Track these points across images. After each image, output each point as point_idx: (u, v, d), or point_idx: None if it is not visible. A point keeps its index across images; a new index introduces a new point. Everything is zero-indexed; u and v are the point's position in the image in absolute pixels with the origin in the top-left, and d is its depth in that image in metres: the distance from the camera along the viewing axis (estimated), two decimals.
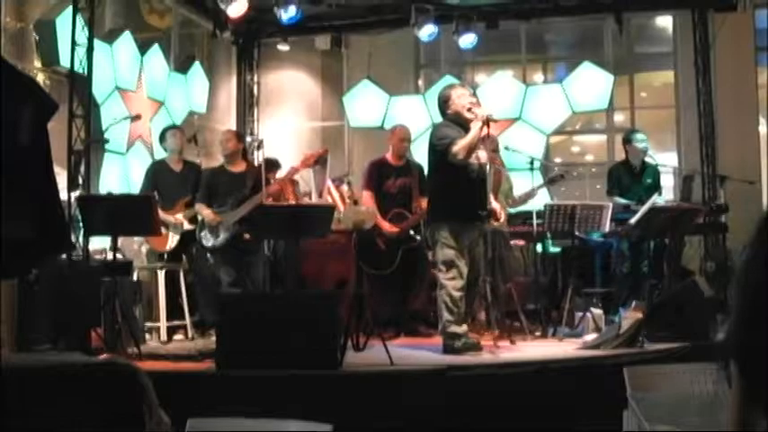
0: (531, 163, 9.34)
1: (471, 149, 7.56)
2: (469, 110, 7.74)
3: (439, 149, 7.68)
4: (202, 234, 9.13)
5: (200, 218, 9.25)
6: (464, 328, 7.59)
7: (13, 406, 3.79)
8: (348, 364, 6.76)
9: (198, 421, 3.54)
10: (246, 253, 9.18)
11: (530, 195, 9.48)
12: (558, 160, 14.89)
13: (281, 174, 10.10)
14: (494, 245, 8.67)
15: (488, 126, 7.56)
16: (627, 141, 10.48)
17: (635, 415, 4.49)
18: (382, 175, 9.48)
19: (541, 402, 6.38)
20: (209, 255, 9.22)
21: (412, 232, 9.19)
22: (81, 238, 8.46)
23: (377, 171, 9.54)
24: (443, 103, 7.97)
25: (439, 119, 8.17)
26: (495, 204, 8.23)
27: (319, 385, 6.27)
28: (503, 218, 8.74)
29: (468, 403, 6.36)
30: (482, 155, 7.74)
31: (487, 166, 7.80)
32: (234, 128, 13.46)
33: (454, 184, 7.66)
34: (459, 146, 7.49)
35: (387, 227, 9.23)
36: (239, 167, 9.40)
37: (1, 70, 4.44)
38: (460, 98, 7.85)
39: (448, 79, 12.20)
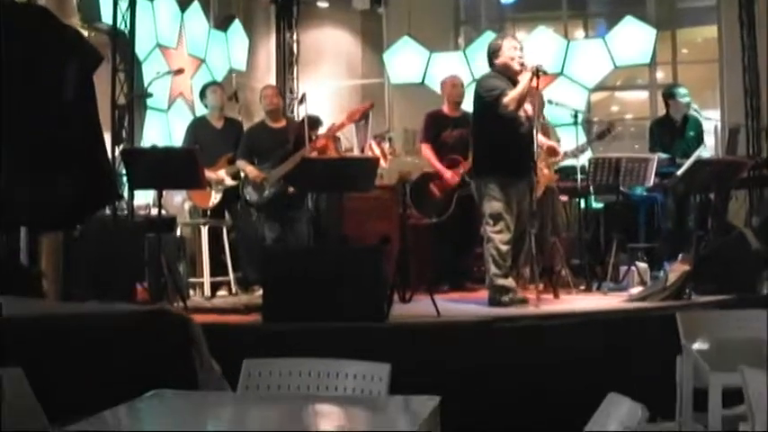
0: (576, 116, 9.26)
1: (521, 101, 7.50)
2: (519, 62, 7.68)
3: (488, 101, 7.57)
4: (246, 190, 9.13)
5: (242, 174, 9.25)
6: (511, 281, 7.56)
7: (61, 353, 3.82)
8: (395, 316, 6.77)
9: (254, 362, 3.54)
10: (291, 209, 9.17)
11: (581, 150, 9.38)
12: (596, 119, 14.77)
13: (323, 130, 10.05)
14: (546, 199, 8.68)
15: (538, 78, 7.50)
16: (670, 96, 10.31)
17: (691, 359, 4.45)
18: (439, 126, 9.42)
19: (589, 354, 6.36)
20: (252, 210, 9.23)
21: (467, 178, 8.97)
22: (126, 193, 8.49)
23: (433, 122, 9.49)
24: (493, 53, 7.83)
25: (480, 73, 8.10)
26: (548, 141, 8.21)
27: (366, 337, 6.25)
28: (560, 155, 8.76)
29: (514, 354, 6.36)
30: (528, 108, 7.67)
31: (534, 120, 7.74)
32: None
33: (502, 136, 7.59)
34: (510, 97, 7.41)
35: (449, 176, 9.18)
36: (280, 123, 9.39)
37: (47, 23, 4.45)
38: (511, 50, 7.74)
39: (488, 35, 12.08)
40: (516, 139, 7.59)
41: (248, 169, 9.09)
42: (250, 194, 9.13)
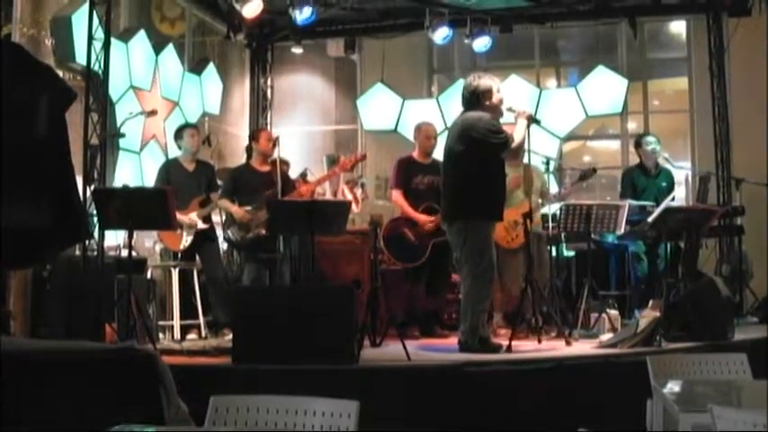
0: (548, 164, 9.31)
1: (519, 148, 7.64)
2: (507, 106, 7.71)
3: (495, 142, 7.46)
4: (230, 230, 9.17)
5: (224, 213, 9.33)
6: (486, 329, 7.53)
7: (26, 390, 3.76)
8: (365, 360, 6.75)
9: (221, 398, 3.50)
10: (274, 250, 9.18)
11: (567, 193, 9.42)
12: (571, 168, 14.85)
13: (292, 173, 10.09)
14: (537, 246, 8.74)
15: (530, 124, 7.65)
16: (638, 145, 10.53)
17: (661, 402, 4.44)
18: (410, 173, 9.31)
19: (559, 398, 6.34)
20: (228, 251, 9.24)
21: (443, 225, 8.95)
22: (96, 234, 8.43)
23: (405, 168, 9.37)
24: (482, 93, 7.62)
25: (452, 118, 8.08)
26: None
27: (336, 379, 6.23)
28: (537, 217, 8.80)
29: (484, 399, 6.33)
30: None
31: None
32: (247, 130, 13.48)
33: (491, 180, 7.57)
34: (516, 143, 7.50)
35: (423, 219, 9.05)
36: (265, 167, 9.39)
37: (19, 58, 4.41)
38: (497, 92, 7.68)
39: (461, 84, 12.13)
40: (501, 184, 7.70)
41: (234, 209, 9.14)
42: (233, 234, 9.17)
